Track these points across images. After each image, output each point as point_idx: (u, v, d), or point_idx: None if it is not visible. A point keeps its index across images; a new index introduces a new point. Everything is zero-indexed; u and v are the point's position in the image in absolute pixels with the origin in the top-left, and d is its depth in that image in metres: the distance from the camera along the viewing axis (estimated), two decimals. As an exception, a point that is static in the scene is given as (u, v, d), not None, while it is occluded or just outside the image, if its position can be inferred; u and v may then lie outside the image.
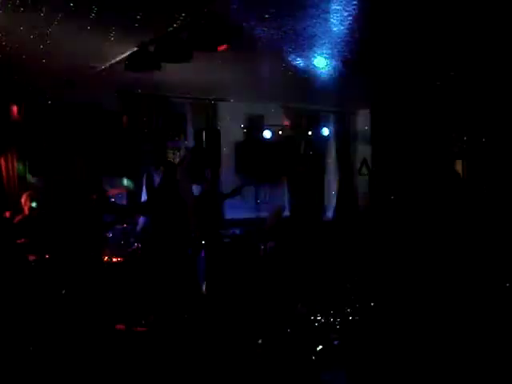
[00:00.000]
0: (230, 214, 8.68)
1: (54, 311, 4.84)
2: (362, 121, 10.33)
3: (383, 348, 4.97)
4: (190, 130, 8.53)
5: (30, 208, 6.08)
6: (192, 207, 5.33)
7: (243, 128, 8.99)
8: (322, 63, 6.66)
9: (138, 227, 5.64)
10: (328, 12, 4.86)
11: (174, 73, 6.12)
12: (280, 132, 9.04)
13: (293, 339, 5.32)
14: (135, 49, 5.27)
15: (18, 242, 5.44)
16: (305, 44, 5.77)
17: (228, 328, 6.01)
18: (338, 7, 4.76)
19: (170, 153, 8.23)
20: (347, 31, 5.37)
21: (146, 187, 5.47)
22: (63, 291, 4.69)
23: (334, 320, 5.83)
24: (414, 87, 8.05)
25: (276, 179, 9.30)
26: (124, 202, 7.64)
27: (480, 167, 8.10)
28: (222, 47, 4.64)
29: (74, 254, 4.59)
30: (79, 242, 4.57)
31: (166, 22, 4.78)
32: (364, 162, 10.10)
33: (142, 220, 5.49)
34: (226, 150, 8.71)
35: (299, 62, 6.48)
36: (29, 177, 7.00)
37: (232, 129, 8.83)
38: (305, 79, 7.37)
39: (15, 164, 6.91)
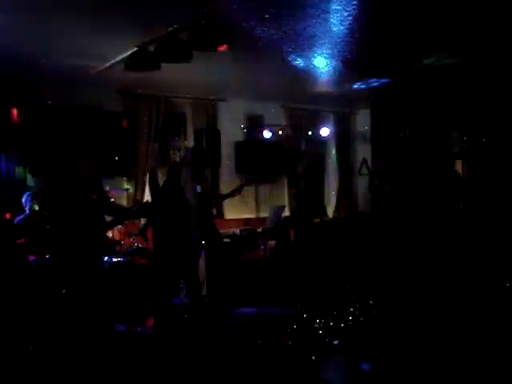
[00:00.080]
0: (230, 214, 8.69)
1: (54, 311, 4.84)
2: (362, 121, 10.34)
3: (383, 348, 4.97)
4: (190, 130, 8.53)
5: (31, 208, 6.09)
6: (196, 207, 5.32)
7: (243, 128, 8.98)
8: (321, 63, 6.67)
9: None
10: (328, 12, 4.86)
11: (174, 73, 6.12)
12: (280, 132, 9.04)
13: (293, 339, 5.32)
14: (135, 49, 5.27)
15: (18, 241, 5.44)
16: (305, 44, 5.77)
17: (228, 328, 6.01)
18: (338, 7, 4.76)
19: (170, 153, 8.21)
20: (347, 31, 5.37)
21: (150, 187, 5.46)
22: (63, 291, 4.68)
23: (334, 320, 5.83)
24: (414, 87, 8.06)
25: (276, 179, 9.30)
26: (124, 202, 7.65)
27: (480, 167, 8.10)
28: (222, 47, 4.64)
29: (74, 253, 4.58)
30: (79, 242, 4.57)
31: (166, 22, 4.78)
32: (364, 161, 10.11)
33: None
34: (226, 150, 8.71)
35: (299, 61, 6.48)
36: (29, 177, 7.01)
37: (232, 129, 8.83)
38: (304, 79, 7.39)
39: (15, 164, 6.91)
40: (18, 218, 6.00)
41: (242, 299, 6.84)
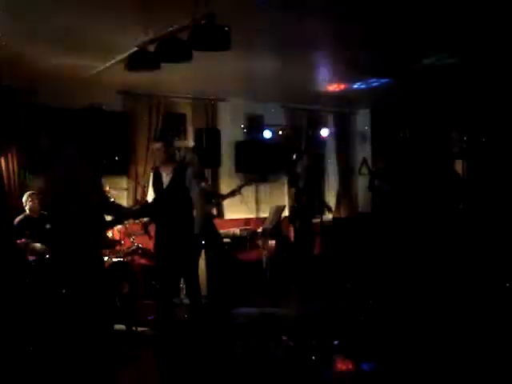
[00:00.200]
0: (230, 214, 8.70)
1: (54, 311, 4.84)
2: (362, 121, 10.34)
3: (383, 348, 4.97)
4: (190, 130, 8.53)
5: (31, 208, 6.09)
6: (200, 207, 5.34)
7: (243, 128, 8.98)
8: (321, 63, 6.67)
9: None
10: (328, 12, 4.87)
11: (174, 72, 6.12)
12: (280, 132, 9.04)
13: (293, 339, 5.32)
14: (135, 49, 5.27)
15: (18, 242, 5.44)
16: (304, 44, 5.77)
17: (228, 328, 6.01)
18: (338, 7, 4.76)
19: (176, 152, 8.21)
20: (347, 31, 5.37)
21: (154, 186, 5.45)
22: (63, 291, 4.68)
23: (334, 320, 5.83)
24: (414, 87, 8.06)
25: (276, 179, 9.30)
26: (124, 202, 7.65)
27: (480, 167, 8.10)
28: (222, 47, 4.63)
29: (74, 253, 4.58)
30: (79, 242, 4.56)
31: (166, 22, 4.78)
32: (364, 161, 10.11)
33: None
34: (226, 150, 8.71)
35: (299, 61, 6.48)
36: (29, 177, 7.01)
37: (232, 129, 8.83)
38: (304, 79, 7.39)
39: (15, 164, 6.91)
40: (17, 218, 6.01)
41: (242, 299, 6.84)
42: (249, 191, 8.47)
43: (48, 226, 5.59)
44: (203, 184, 6.25)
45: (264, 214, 8.39)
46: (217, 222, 7.31)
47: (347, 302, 6.47)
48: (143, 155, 7.89)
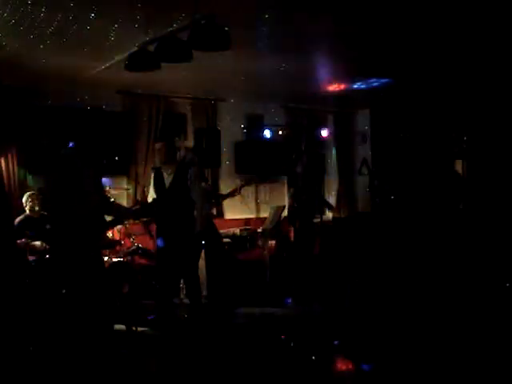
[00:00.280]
0: (230, 214, 8.69)
1: (54, 311, 4.84)
2: (362, 121, 10.33)
3: (384, 348, 4.97)
4: (190, 130, 8.53)
5: (31, 208, 6.09)
6: (201, 207, 5.35)
7: (243, 128, 8.98)
8: (321, 63, 6.67)
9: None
10: (328, 12, 4.87)
11: (174, 73, 6.12)
12: (280, 132, 9.04)
13: (293, 339, 5.32)
14: (135, 49, 5.27)
15: (19, 241, 5.44)
16: (305, 44, 5.77)
17: (228, 328, 6.01)
18: (338, 7, 4.76)
19: (177, 152, 8.20)
20: (347, 31, 5.37)
21: (155, 186, 5.46)
22: (63, 291, 4.68)
23: (334, 320, 5.83)
24: (414, 87, 8.06)
25: (276, 179, 9.30)
26: (124, 202, 7.65)
27: (480, 167, 8.10)
28: (222, 47, 4.64)
29: (74, 253, 4.58)
30: (79, 242, 4.57)
31: (166, 22, 4.78)
32: (364, 161, 10.09)
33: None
34: (226, 150, 8.71)
35: (299, 61, 6.48)
36: (29, 177, 7.01)
37: (232, 129, 8.83)
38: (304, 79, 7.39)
39: (15, 164, 6.91)
40: (17, 219, 6.01)
41: (242, 299, 6.84)
42: (249, 191, 8.49)
43: (48, 226, 5.59)
44: (203, 184, 6.26)
45: (264, 214, 8.39)
46: (217, 221, 7.31)
47: (347, 302, 6.46)
48: (143, 155, 7.89)
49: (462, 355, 4.63)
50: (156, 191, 5.45)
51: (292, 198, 7.92)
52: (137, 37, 5.15)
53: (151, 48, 5.03)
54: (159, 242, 5.39)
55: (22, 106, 6.86)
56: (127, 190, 7.81)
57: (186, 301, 5.74)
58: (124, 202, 7.57)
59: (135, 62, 5.24)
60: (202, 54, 4.79)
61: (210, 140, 8.30)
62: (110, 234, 6.49)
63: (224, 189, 8.34)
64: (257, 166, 8.80)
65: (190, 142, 8.36)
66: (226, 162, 8.73)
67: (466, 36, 5.73)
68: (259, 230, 8.00)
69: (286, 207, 8.16)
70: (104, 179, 5.55)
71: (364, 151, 10.19)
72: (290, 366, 4.72)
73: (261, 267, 7.67)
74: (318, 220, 7.57)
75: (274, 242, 8.10)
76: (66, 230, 4.60)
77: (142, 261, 6.85)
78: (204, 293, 6.33)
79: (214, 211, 7.89)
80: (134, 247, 6.56)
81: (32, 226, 5.90)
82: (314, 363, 4.76)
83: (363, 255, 7.33)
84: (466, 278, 6.32)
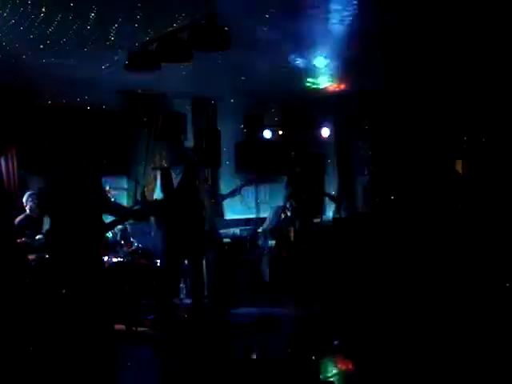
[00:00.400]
0: (229, 214, 8.69)
1: (53, 311, 4.84)
2: (362, 121, 10.31)
3: (384, 348, 4.97)
4: (190, 130, 8.53)
5: (31, 208, 6.09)
6: (209, 207, 5.37)
7: (243, 128, 8.98)
8: (321, 63, 6.67)
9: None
10: (328, 12, 4.87)
11: (174, 72, 6.12)
12: (280, 132, 9.03)
13: (293, 339, 5.32)
14: (135, 49, 5.27)
15: (19, 241, 5.44)
16: (305, 44, 5.77)
17: (228, 328, 6.00)
18: (339, 7, 4.77)
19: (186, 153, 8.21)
20: (347, 31, 5.38)
21: (162, 186, 5.46)
22: (63, 291, 4.68)
23: (334, 320, 5.83)
24: (414, 87, 8.05)
25: (276, 179, 9.30)
26: (124, 202, 7.65)
27: (480, 167, 8.10)
28: (222, 47, 4.64)
29: (74, 254, 4.58)
30: (79, 242, 4.56)
31: (166, 22, 4.78)
32: (364, 162, 10.09)
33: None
34: (226, 150, 8.71)
35: (299, 61, 6.48)
36: (29, 177, 7.01)
37: (232, 129, 8.82)
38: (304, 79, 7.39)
39: (15, 164, 6.91)
40: (18, 218, 6.01)
41: (242, 299, 6.84)
42: (249, 191, 8.48)
43: (48, 227, 5.59)
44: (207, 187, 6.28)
45: (264, 214, 8.39)
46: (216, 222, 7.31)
47: (347, 302, 6.46)
48: (143, 155, 7.89)
49: (462, 355, 4.63)
50: (164, 192, 5.45)
51: (287, 197, 7.89)
52: (137, 37, 5.15)
53: (151, 48, 5.03)
54: (161, 245, 5.41)
55: (22, 106, 6.86)
56: (127, 190, 7.81)
57: (186, 301, 5.74)
58: (124, 202, 7.57)
59: (135, 62, 5.24)
60: (202, 54, 4.80)
61: (209, 140, 8.30)
62: (109, 234, 6.49)
63: (224, 189, 8.34)
64: (257, 166, 8.80)
65: (190, 142, 8.36)
66: (226, 162, 8.73)
67: (466, 36, 5.73)
68: (259, 230, 8.00)
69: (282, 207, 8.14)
70: (104, 179, 5.54)
71: (364, 151, 10.18)
72: (290, 366, 4.71)
73: (261, 267, 7.67)
74: (318, 220, 7.58)
75: (273, 242, 8.10)
76: (66, 230, 4.59)
77: (142, 261, 6.85)
78: (204, 293, 6.33)
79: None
80: (133, 247, 6.56)
81: (32, 225, 5.89)
82: (313, 363, 4.76)
83: (363, 255, 7.33)
84: (466, 277, 6.32)
